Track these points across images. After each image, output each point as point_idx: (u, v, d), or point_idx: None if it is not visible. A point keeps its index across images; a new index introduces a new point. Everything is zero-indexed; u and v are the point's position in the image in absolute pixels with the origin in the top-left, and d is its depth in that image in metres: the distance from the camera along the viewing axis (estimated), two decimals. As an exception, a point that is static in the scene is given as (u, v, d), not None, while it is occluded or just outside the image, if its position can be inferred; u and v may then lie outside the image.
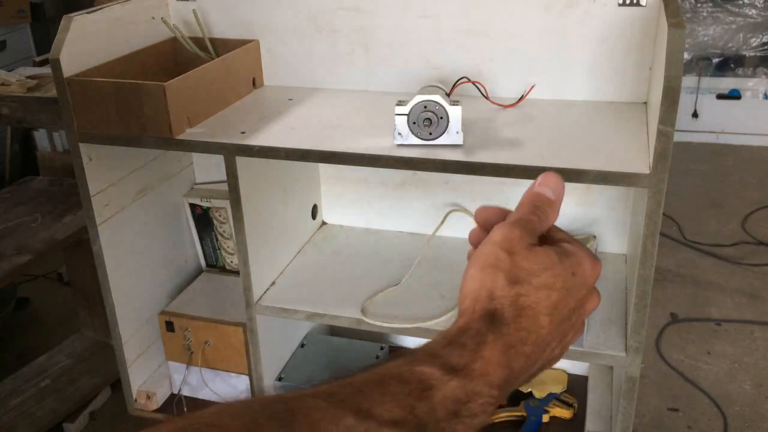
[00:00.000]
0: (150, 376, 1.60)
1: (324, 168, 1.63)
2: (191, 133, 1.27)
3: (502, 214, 0.59)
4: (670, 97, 0.98)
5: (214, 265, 1.73)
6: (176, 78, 1.24)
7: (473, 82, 1.36)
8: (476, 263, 0.53)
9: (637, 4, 1.27)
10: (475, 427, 0.47)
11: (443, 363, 0.47)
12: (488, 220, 0.59)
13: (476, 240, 0.58)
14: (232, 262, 1.69)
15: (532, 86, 1.38)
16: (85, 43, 1.31)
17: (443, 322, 1.29)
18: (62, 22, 1.27)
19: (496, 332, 0.49)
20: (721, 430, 2.10)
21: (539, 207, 0.57)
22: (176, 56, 1.51)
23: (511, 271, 0.51)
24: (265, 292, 1.41)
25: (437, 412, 0.45)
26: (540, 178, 0.59)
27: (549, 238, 0.57)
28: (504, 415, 1.49)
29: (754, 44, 3.89)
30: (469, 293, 0.52)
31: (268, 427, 0.41)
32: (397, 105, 1.15)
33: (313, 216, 1.64)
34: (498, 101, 1.36)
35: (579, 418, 1.48)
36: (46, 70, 2.22)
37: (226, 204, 1.59)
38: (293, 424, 0.42)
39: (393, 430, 0.43)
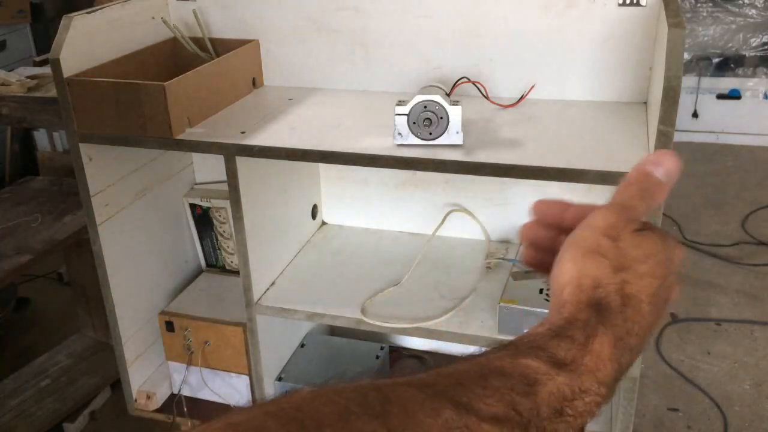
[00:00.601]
0: (150, 376, 1.60)
1: (324, 168, 1.63)
2: (191, 133, 1.27)
3: (563, 208, 0.54)
4: (670, 97, 0.98)
5: (214, 265, 1.73)
6: (176, 78, 1.24)
7: (473, 82, 1.36)
8: (575, 249, 0.48)
9: (637, 4, 1.27)
10: (578, 428, 0.44)
11: (550, 356, 0.44)
12: (548, 214, 0.55)
13: (530, 235, 0.55)
14: (232, 262, 1.69)
15: (532, 86, 1.38)
16: (85, 43, 1.31)
17: (443, 322, 1.29)
18: (62, 22, 1.27)
19: (606, 323, 0.46)
20: (721, 430, 2.10)
21: (647, 191, 0.51)
22: (176, 56, 1.51)
23: (616, 257, 0.48)
24: (265, 292, 1.41)
25: (541, 410, 0.42)
26: (654, 155, 0.52)
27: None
28: (504, 415, 1.49)
29: (754, 44, 3.89)
30: (570, 281, 0.48)
31: (361, 417, 0.38)
32: (397, 105, 1.15)
33: (313, 216, 1.64)
34: (498, 101, 1.36)
35: (579, 418, 1.48)
36: (46, 70, 2.22)
37: (226, 204, 1.59)
38: (388, 414, 0.39)
39: (494, 427, 0.40)
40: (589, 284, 0.47)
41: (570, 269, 0.48)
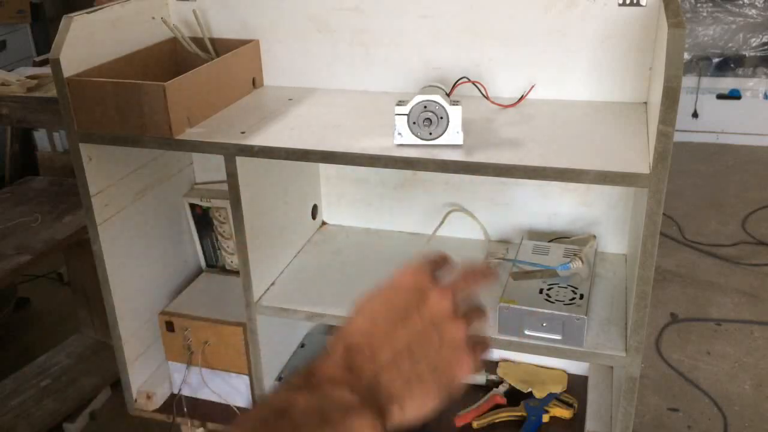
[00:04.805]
0: (150, 376, 1.60)
1: (324, 168, 1.63)
2: (191, 133, 1.27)
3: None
4: (670, 97, 0.98)
5: (214, 265, 1.73)
6: (176, 78, 1.24)
7: (473, 82, 1.36)
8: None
9: (637, 4, 1.27)
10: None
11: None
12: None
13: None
14: (232, 262, 1.69)
15: (532, 86, 1.38)
16: (85, 43, 1.31)
17: (443, 322, 1.29)
18: (62, 22, 1.27)
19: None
20: (721, 430, 2.10)
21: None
22: (176, 56, 1.51)
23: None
24: (265, 292, 1.41)
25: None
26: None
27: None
28: (504, 415, 1.49)
29: (754, 44, 3.89)
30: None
31: None
32: (397, 105, 1.15)
33: (313, 216, 1.64)
34: (498, 101, 1.36)
35: (579, 418, 1.48)
36: (46, 70, 2.22)
37: (226, 204, 1.59)
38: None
39: None
40: (364, 333, 0.59)
41: (360, 316, 0.61)
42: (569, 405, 1.51)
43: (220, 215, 1.64)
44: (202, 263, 1.73)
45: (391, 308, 0.59)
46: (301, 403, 0.53)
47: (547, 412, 1.49)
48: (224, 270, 1.72)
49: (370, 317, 0.59)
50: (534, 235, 1.50)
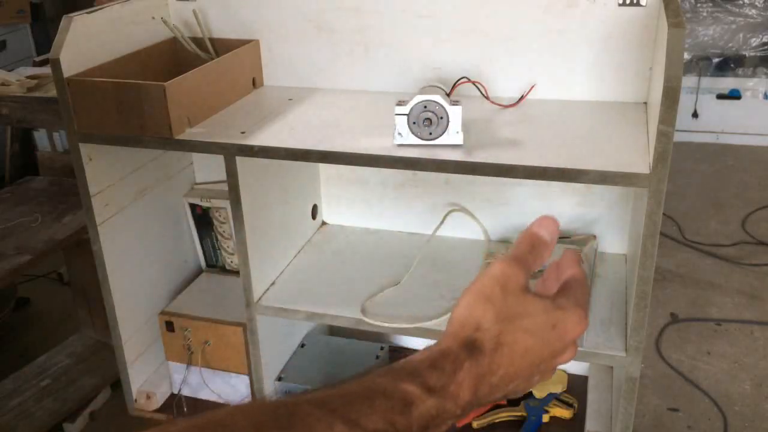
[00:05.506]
0: (150, 376, 1.61)
1: (324, 168, 1.63)
2: (191, 133, 1.27)
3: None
4: (670, 97, 0.98)
5: (214, 265, 1.73)
6: (176, 78, 1.24)
7: (473, 82, 1.36)
8: (472, 292, 0.58)
9: (637, 4, 1.27)
10: None
11: (423, 383, 0.53)
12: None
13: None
14: (232, 262, 1.69)
15: (532, 86, 1.38)
16: (85, 43, 1.31)
17: (443, 321, 1.29)
18: (62, 22, 1.27)
19: (473, 360, 0.55)
20: (721, 430, 2.10)
21: (536, 247, 0.61)
22: (176, 56, 1.51)
23: (501, 308, 0.56)
24: (265, 292, 1.41)
25: (413, 426, 0.52)
26: (537, 220, 0.62)
27: (552, 288, 0.62)
28: (504, 415, 1.49)
29: (754, 44, 3.89)
30: (458, 318, 0.57)
31: (271, 429, 0.47)
32: (397, 105, 1.15)
33: (313, 216, 1.64)
34: (498, 101, 1.36)
35: (579, 418, 1.48)
36: (46, 70, 2.22)
37: (226, 204, 1.59)
38: (293, 427, 0.48)
39: None
40: (472, 325, 0.56)
41: (462, 308, 0.57)
42: (569, 405, 1.51)
43: (220, 215, 1.64)
44: (202, 263, 1.73)
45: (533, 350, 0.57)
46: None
47: (547, 412, 1.49)
48: (224, 270, 1.72)
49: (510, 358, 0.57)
50: (534, 235, 1.50)
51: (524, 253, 0.60)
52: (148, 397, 1.56)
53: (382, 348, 1.63)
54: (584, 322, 0.59)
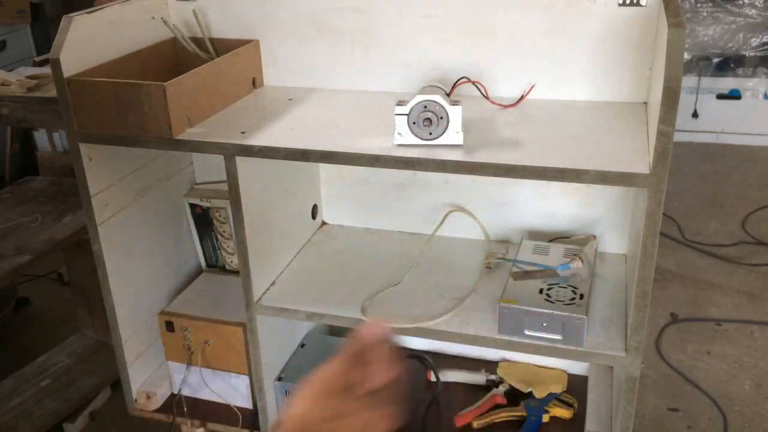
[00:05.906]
0: (150, 376, 1.61)
1: (324, 168, 1.63)
2: (191, 133, 1.27)
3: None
4: (670, 97, 0.98)
5: (214, 265, 1.73)
6: (176, 78, 1.24)
7: (473, 82, 1.36)
8: (306, 389, 0.61)
9: (637, 4, 1.27)
10: None
11: None
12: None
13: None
14: (232, 262, 1.69)
15: (532, 86, 1.38)
16: (85, 43, 1.31)
17: (443, 322, 1.29)
18: (62, 22, 1.27)
19: None
20: (721, 430, 2.10)
21: (369, 346, 0.63)
22: (176, 56, 1.51)
23: (327, 407, 0.60)
24: (265, 292, 1.41)
25: None
26: (367, 326, 0.64)
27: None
28: (504, 415, 1.49)
29: (754, 44, 3.89)
30: (291, 414, 0.60)
31: None
32: (397, 105, 1.15)
33: (313, 216, 1.64)
34: (498, 101, 1.36)
35: (579, 418, 1.48)
36: (46, 70, 2.22)
37: (226, 204, 1.59)
38: None
39: None
40: (298, 422, 0.59)
41: (296, 403, 0.60)
42: (569, 405, 1.51)
43: (220, 215, 1.64)
44: (202, 263, 1.73)
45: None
46: None
47: (547, 412, 1.49)
48: (224, 270, 1.72)
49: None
50: (534, 235, 1.50)
51: (350, 354, 0.62)
52: (148, 397, 1.56)
53: (382, 348, 1.62)
54: (393, 419, 0.61)
